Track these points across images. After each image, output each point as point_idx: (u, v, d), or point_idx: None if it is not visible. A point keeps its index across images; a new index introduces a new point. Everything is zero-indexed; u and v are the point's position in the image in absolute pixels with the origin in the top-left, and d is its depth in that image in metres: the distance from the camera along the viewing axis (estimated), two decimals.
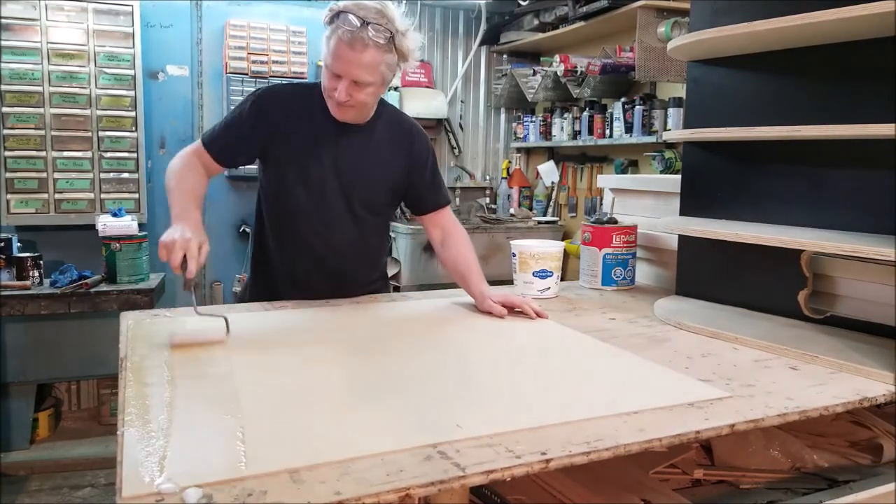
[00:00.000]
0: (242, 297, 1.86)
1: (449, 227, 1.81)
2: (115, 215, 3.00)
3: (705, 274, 1.76)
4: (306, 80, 1.74)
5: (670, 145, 3.16)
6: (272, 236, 1.73)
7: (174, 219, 1.44)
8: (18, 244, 3.03)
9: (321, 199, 1.67)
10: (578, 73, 3.56)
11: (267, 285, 1.77)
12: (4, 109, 3.23)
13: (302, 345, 1.36)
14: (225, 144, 1.66)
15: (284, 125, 1.64)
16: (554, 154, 4.35)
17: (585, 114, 3.76)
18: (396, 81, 4.21)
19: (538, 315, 1.59)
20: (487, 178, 4.67)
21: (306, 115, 1.65)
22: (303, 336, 1.43)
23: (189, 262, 1.32)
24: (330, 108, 1.60)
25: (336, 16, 1.49)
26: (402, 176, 1.74)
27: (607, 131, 3.61)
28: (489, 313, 1.62)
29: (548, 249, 1.83)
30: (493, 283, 1.87)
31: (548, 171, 4.30)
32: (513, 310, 1.62)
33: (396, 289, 3.82)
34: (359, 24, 1.46)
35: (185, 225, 1.39)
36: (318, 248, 1.70)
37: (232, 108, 1.78)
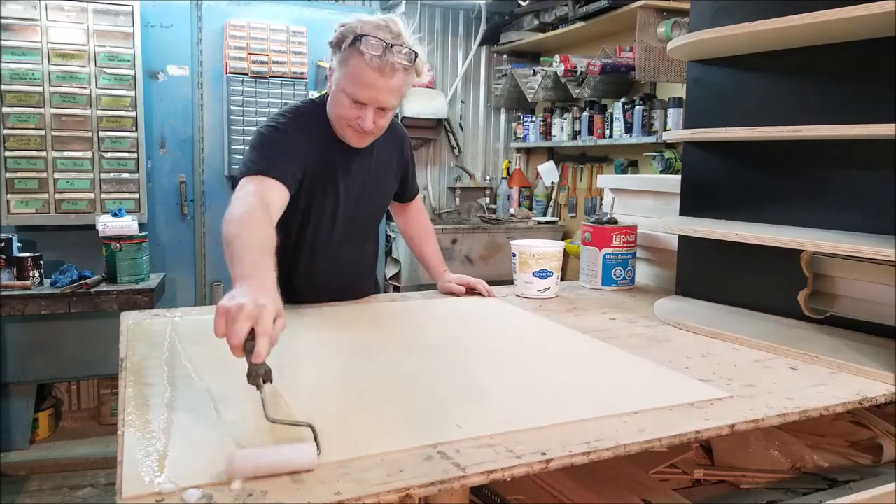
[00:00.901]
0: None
1: (415, 210, 1.95)
2: (115, 215, 3.00)
3: (705, 274, 1.76)
4: (297, 104, 1.65)
5: (670, 145, 3.16)
6: (287, 252, 1.62)
7: (239, 279, 1.04)
8: (18, 244, 3.03)
9: (332, 221, 1.64)
10: (578, 73, 3.56)
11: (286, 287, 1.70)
12: (4, 109, 3.23)
13: (302, 345, 1.36)
14: (282, 161, 1.44)
15: (300, 148, 1.53)
16: (554, 154, 4.35)
17: (585, 114, 3.76)
18: None
19: (489, 294, 1.78)
20: (487, 178, 4.67)
21: (314, 140, 1.55)
22: (303, 336, 1.43)
23: (259, 339, 0.90)
24: (347, 137, 1.53)
25: (356, 39, 1.39)
26: (398, 179, 1.82)
27: (607, 131, 3.61)
28: (451, 293, 1.81)
29: (548, 249, 1.83)
30: (492, 283, 1.87)
31: (548, 171, 4.30)
32: (471, 290, 1.81)
33: (396, 289, 3.82)
34: (384, 47, 1.38)
35: (256, 289, 0.99)
36: (324, 265, 1.67)
37: (255, 140, 1.57)
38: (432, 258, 1.93)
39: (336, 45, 1.46)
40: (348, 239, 1.71)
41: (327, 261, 1.68)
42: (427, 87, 4.33)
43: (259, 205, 1.30)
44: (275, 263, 1.13)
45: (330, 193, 1.60)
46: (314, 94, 3.97)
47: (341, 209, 1.63)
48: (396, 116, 1.96)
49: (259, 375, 0.90)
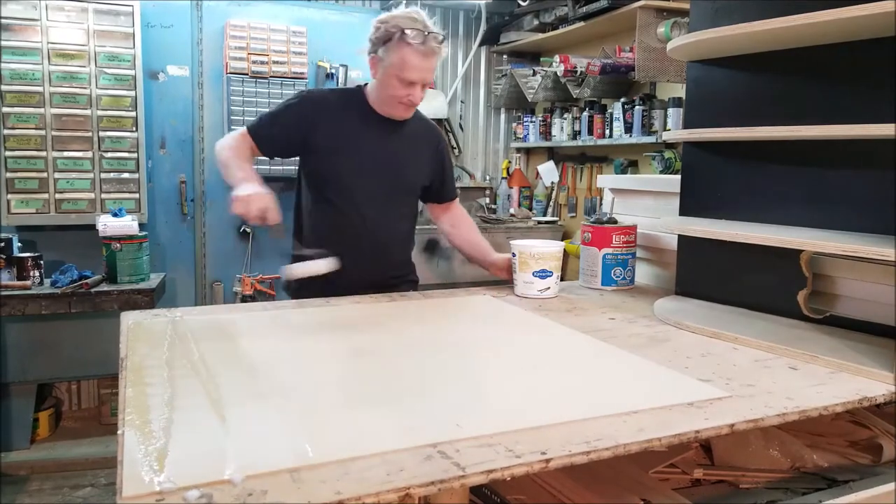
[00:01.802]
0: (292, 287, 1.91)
1: (459, 215, 2.12)
2: (115, 215, 3.00)
3: (705, 274, 1.76)
4: (347, 87, 2.05)
5: (670, 145, 3.16)
6: (319, 227, 1.89)
7: (239, 182, 1.63)
8: (19, 244, 3.03)
9: (365, 181, 1.84)
10: (578, 73, 3.56)
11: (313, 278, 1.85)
12: (5, 109, 3.23)
13: (302, 345, 1.36)
14: (268, 134, 1.84)
15: (328, 120, 1.83)
16: (554, 154, 4.35)
17: (585, 114, 3.76)
18: None
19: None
20: (487, 178, 4.68)
21: (348, 112, 1.86)
22: (303, 336, 1.43)
23: (270, 214, 1.54)
24: (397, 112, 1.85)
25: (401, 32, 1.71)
26: (429, 169, 1.99)
27: (607, 131, 3.61)
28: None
29: (548, 249, 1.83)
30: (492, 282, 1.87)
31: (548, 171, 4.30)
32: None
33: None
34: (425, 34, 1.72)
35: (253, 185, 1.60)
36: (357, 230, 1.84)
37: (278, 103, 1.93)
38: (485, 245, 2.07)
39: (382, 40, 1.75)
40: (377, 212, 1.86)
41: (355, 231, 1.84)
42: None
43: (243, 143, 1.82)
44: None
45: (360, 147, 1.85)
46: None
47: (365, 169, 1.85)
48: None
49: (280, 230, 1.48)
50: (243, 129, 1.86)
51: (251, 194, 1.56)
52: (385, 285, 1.87)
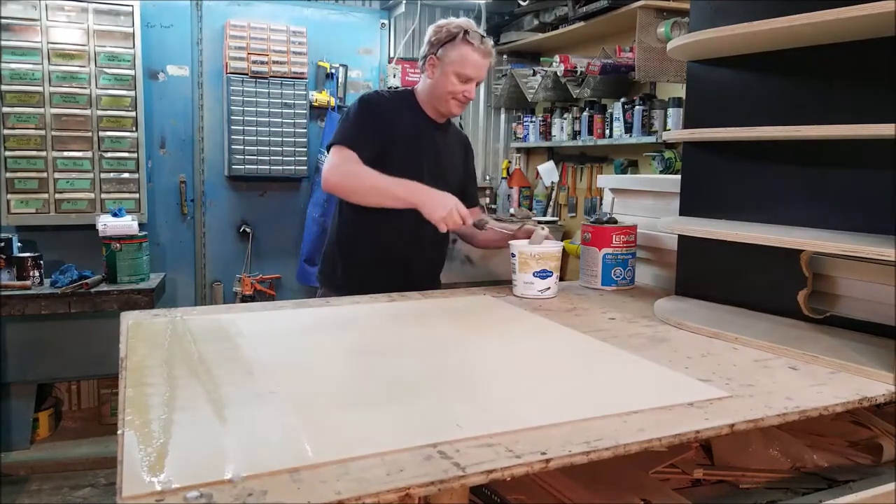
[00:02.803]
0: (333, 281, 2.01)
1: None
2: (115, 215, 3.00)
3: (705, 274, 1.76)
4: (400, 89, 2.18)
5: (670, 145, 3.16)
6: (375, 223, 1.93)
7: (412, 193, 1.73)
8: (19, 244, 3.03)
9: (420, 179, 1.85)
10: (578, 73, 3.56)
11: (358, 272, 1.98)
12: (5, 109, 3.24)
13: (302, 345, 1.36)
14: (365, 140, 1.87)
15: (392, 120, 1.92)
16: (554, 154, 4.35)
17: (585, 114, 3.76)
18: (397, 82, 4.22)
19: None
20: (487, 178, 4.68)
21: (405, 112, 1.96)
22: (303, 336, 1.43)
23: (464, 218, 1.69)
24: (451, 108, 1.96)
25: (465, 33, 1.88)
26: (462, 173, 2.10)
27: (607, 131, 3.61)
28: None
29: (548, 250, 1.83)
30: (493, 283, 1.87)
31: (548, 171, 4.30)
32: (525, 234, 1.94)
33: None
34: (482, 37, 1.90)
35: (429, 191, 1.72)
36: (419, 229, 1.86)
37: (344, 116, 1.99)
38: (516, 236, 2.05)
39: (444, 40, 1.91)
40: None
41: (412, 228, 1.88)
42: None
43: (352, 156, 1.84)
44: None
45: (418, 148, 1.95)
46: (314, 94, 3.97)
47: (425, 173, 1.90)
48: None
49: (485, 222, 1.79)
50: (337, 149, 1.86)
51: (440, 200, 1.69)
52: (436, 282, 2.02)
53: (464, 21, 1.95)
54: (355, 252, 1.98)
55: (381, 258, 1.96)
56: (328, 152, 1.90)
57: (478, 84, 1.97)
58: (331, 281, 2.02)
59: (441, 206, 1.67)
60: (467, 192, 2.08)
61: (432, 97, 1.96)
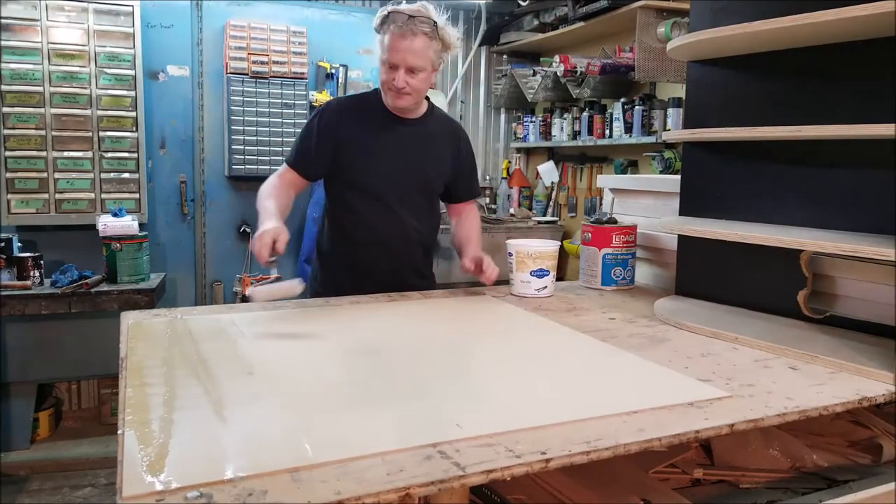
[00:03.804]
0: (314, 287, 2.00)
1: (468, 210, 2.06)
2: (115, 215, 3.00)
3: (705, 274, 1.76)
4: (366, 91, 2.02)
5: (670, 145, 3.16)
6: (341, 227, 1.91)
7: (261, 224, 1.66)
8: (19, 244, 3.03)
9: (389, 184, 1.86)
10: (578, 73, 3.56)
11: (333, 277, 1.95)
12: (5, 109, 3.23)
13: (302, 345, 1.36)
14: (304, 160, 1.88)
15: (349, 123, 1.86)
16: (554, 154, 4.35)
17: (585, 114, 3.75)
18: None
19: (486, 274, 1.81)
20: (487, 178, 4.67)
21: (366, 114, 1.88)
22: (303, 336, 1.43)
23: (279, 243, 1.58)
24: (389, 100, 1.83)
25: (386, 17, 1.73)
26: (450, 167, 1.97)
27: (607, 131, 3.61)
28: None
29: (545, 249, 1.84)
30: (493, 283, 1.87)
31: (548, 171, 4.30)
32: (480, 270, 1.83)
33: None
34: (406, 18, 1.71)
35: (270, 222, 1.64)
36: (384, 232, 1.87)
37: (304, 124, 1.96)
38: (464, 241, 1.98)
39: (377, 27, 1.77)
40: (397, 211, 1.87)
41: (375, 230, 1.87)
42: None
43: (279, 184, 1.86)
44: (285, 216, 1.76)
45: (383, 149, 1.86)
46: (314, 94, 3.97)
47: (385, 169, 1.85)
48: None
49: (271, 262, 1.56)
50: (284, 164, 1.90)
51: (262, 231, 1.58)
52: (403, 285, 1.89)
53: (402, 5, 1.79)
54: (330, 261, 1.96)
55: (351, 265, 1.91)
56: None
57: (414, 72, 1.75)
58: (312, 286, 1.99)
59: (255, 241, 1.58)
60: (458, 185, 2.01)
61: (383, 93, 1.87)
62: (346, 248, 1.91)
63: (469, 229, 2.01)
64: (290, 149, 1.94)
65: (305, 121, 3.85)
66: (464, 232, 2.01)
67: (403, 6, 1.76)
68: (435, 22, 1.75)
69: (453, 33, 1.80)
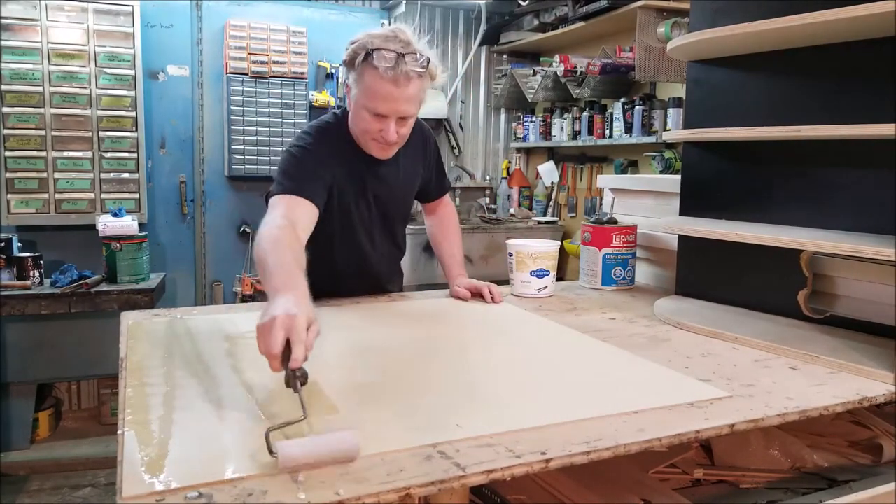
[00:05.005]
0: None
1: (446, 216, 1.95)
2: (115, 215, 3.00)
3: (705, 274, 1.76)
4: (320, 122, 1.68)
5: (670, 145, 3.16)
6: (320, 239, 1.64)
7: (272, 293, 1.06)
8: (19, 244, 3.03)
9: (361, 225, 1.70)
10: (578, 73, 3.56)
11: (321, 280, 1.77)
12: (5, 109, 3.24)
13: None
14: (309, 181, 1.51)
15: (333, 170, 1.60)
16: (554, 154, 4.35)
17: (585, 114, 3.76)
18: None
19: (493, 300, 1.71)
20: (487, 178, 4.67)
21: (345, 158, 1.61)
22: None
23: (294, 347, 0.94)
24: (372, 149, 1.58)
25: (368, 55, 1.43)
26: (420, 177, 1.83)
27: (607, 131, 3.61)
28: (457, 297, 1.77)
29: (545, 248, 1.84)
30: (494, 283, 1.86)
31: (548, 171, 4.30)
32: (477, 294, 1.75)
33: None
34: (395, 58, 1.42)
35: (288, 300, 1.01)
36: (355, 266, 1.74)
37: (279, 161, 1.62)
38: (447, 260, 1.89)
39: (349, 63, 1.49)
40: (379, 239, 1.77)
41: (361, 259, 1.74)
42: None
43: (287, 225, 1.35)
44: (305, 278, 1.15)
45: (361, 201, 1.68)
46: (314, 94, 3.97)
47: (373, 214, 1.71)
48: None
49: (297, 378, 0.94)
50: (279, 198, 1.47)
51: (276, 316, 0.96)
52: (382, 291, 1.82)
53: (380, 34, 1.45)
54: (316, 268, 1.86)
55: (333, 273, 1.72)
56: (267, 204, 1.49)
57: (405, 120, 1.51)
58: None
59: (261, 334, 0.96)
60: (429, 186, 1.87)
61: (354, 134, 1.59)
62: (331, 261, 1.71)
63: (448, 235, 1.91)
64: (276, 183, 1.53)
65: (305, 121, 3.89)
66: (445, 242, 1.90)
67: (381, 38, 1.44)
68: (428, 59, 1.47)
69: (438, 63, 1.55)
